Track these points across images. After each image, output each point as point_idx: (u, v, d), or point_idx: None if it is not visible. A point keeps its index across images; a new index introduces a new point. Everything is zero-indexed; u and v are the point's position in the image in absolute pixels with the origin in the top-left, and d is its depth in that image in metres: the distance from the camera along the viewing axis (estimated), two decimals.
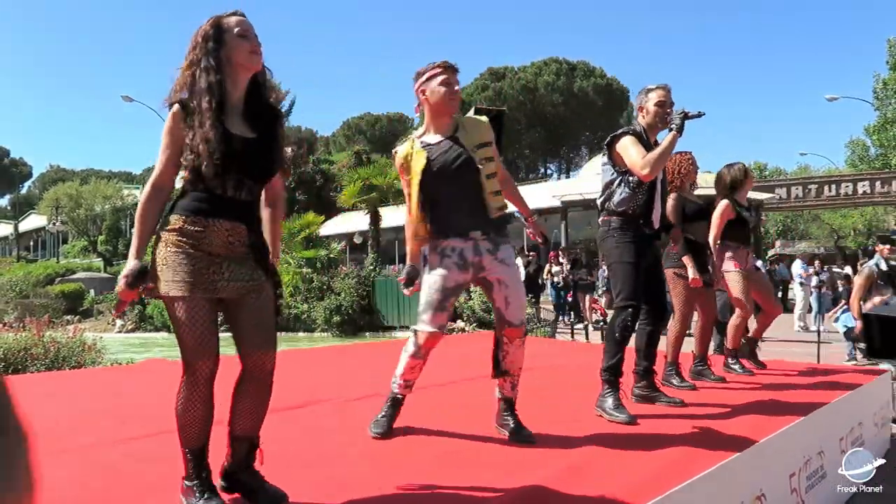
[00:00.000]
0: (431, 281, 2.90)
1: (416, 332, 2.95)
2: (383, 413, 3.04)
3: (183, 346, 2.13)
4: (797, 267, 13.18)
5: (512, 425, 2.97)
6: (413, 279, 3.04)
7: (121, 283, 2.10)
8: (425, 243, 2.99)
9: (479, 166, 2.93)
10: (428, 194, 2.94)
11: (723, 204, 4.87)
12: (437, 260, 2.91)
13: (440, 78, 2.94)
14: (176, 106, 2.18)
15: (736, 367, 4.83)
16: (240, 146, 2.15)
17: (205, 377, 2.14)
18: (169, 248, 2.12)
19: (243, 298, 2.19)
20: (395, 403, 3.06)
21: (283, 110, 2.41)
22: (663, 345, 4.58)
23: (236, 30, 2.19)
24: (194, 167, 2.11)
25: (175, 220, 2.14)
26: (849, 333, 9.12)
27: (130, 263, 2.11)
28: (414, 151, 2.98)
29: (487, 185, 2.94)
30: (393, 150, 3.14)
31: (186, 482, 2.20)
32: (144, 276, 2.12)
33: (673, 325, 4.57)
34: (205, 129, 2.10)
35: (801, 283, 12.67)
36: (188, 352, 2.12)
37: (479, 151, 2.95)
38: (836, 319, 9.52)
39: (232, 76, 2.20)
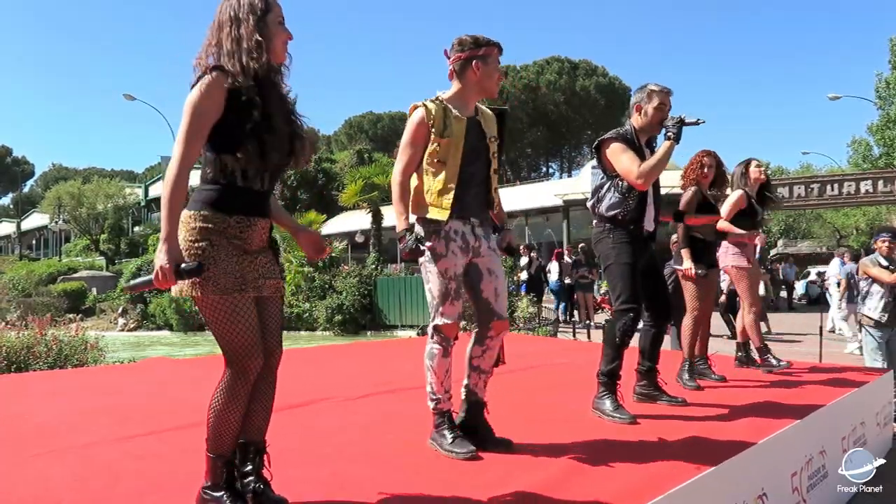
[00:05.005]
0: (442, 269, 2.72)
1: (437, 328, 2.76)
2: (452, 434, 2.74)
3: (234, 346, 2.03)
4: (835, 266, 12.70)
5: (488, 435, 2.81)
6: (423, 242, 2.71)
7: (166, 272, 1.86)
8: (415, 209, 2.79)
9: (492, 158, 2.89)
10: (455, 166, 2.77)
11: (737, 193, 4.87)
12: (444, 246, 2.73)
13: (496, 60, 2.86)
14: (217, 73, 1.97)
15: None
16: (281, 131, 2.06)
17: (253, 378, 2.08)
18: (215, 247, 1.99)
19: (271, 298, 2.15)
20: (450, 419, 2.80)
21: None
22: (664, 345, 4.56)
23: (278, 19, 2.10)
24: (245, 151, 1.97)
25: (218, 218, 2.00)
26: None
27: (175, 253, 1.89)
28: (451, 116, 2.78)
29: (493, 180, 2.91)
30: (414, 104, 2.83)
31: (211, 492, 2.08)
32: (201, 270, 1.91)
33: (685, 321, 4.56)
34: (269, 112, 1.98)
35: (838, 283, 12.11)
36: (240, 353, 2.03)
37: (492, 144, 2.90)
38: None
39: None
